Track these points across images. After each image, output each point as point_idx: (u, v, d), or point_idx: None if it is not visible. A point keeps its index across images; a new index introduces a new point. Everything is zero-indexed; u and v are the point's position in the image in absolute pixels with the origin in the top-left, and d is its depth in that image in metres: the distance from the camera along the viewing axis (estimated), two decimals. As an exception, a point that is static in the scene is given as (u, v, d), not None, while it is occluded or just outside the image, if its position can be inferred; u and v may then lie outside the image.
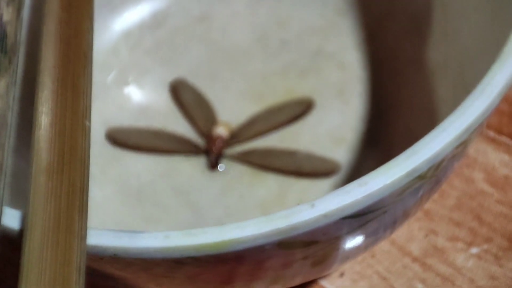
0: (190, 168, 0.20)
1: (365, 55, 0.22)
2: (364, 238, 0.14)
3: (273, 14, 0.23)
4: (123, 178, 0.20)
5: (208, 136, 0.21)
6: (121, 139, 0.21)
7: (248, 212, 0.19)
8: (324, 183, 0.20)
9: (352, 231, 0.13)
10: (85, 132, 0.13)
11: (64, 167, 0.12)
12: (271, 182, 0.20)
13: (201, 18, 0.23)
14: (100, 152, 0.21)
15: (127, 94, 0.22)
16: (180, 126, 0.21)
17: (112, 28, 0.23)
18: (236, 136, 0.21)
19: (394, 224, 0.15)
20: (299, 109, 0.21)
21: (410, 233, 0.19)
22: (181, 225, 0.19)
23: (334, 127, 0.21)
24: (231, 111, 0.21)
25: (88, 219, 0.12)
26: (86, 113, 0.13)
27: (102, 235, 0.12)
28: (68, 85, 0.13)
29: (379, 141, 0.20)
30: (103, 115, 0.21)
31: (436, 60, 0.19)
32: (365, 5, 0.22)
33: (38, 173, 0.12)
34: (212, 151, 0.20)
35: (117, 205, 0.20)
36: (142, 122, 0.21)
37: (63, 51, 0.14)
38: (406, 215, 0.15)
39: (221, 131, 0.21)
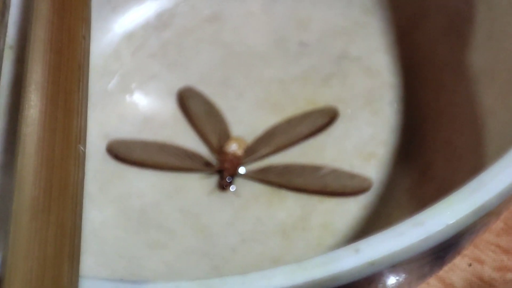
0: (200, 187, 0.18)
1: (396, 59, 0.20)
2: (409, 282, 0.12)
3: (291, 14, 0.21)
4: (125, 198, 0.18)
5: (220, 153, 0.19)
6: (123, 153, 0.19)
7: (266, 238, 0.17)
8: (352, 203, 0.18)
9: (399, 276, 0.11)
10: (79, 160, 0.11)
11: (52, 204, 0.10)
12: (292, 203, 0.18)
13: (212, 19, 0.21)
14: (100, 168, 0.19)
15: (130, 103, 0.20)
16: (189, 139, 0.19)
17: (113, 30, 0.21)
18: (252, 152, 0.19)
19: (443, 264, 0.13)
20: (322, 120, 0.19)
21: (452, 261, 0.17)
22: (190, 253, 0.17)
23: (362, 140, 0.19)
24: (246, 123, 0.19)
25: (80, 266, 0.10)
26: (80, 136, 0.11)
27: (98, 287, 0.10)
28: (59, 103, 0.11)
29: (414, 156, 0.18)
30: (103, 126, 0.19)
31: (480, 66, 0.17)
32: (396, 3, 0.20)
33: (20, 211, 0.10)
34: (225, 171, 0.18)
35: (118, 230, 0.17)
36: (147, 135, 0.19)
37: (54, 62, 0.12)
38: (459, 253, 0.13)
39: (234, 147, 0.18)
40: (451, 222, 0.10)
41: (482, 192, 0.10)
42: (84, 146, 0.11)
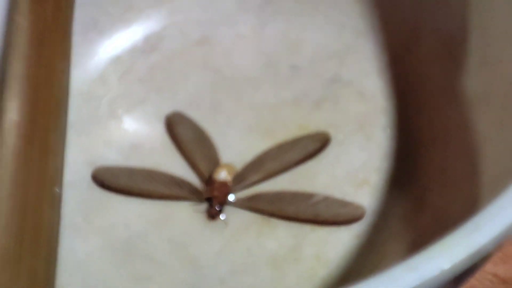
0: (189, 216, 0.18)
1: (388, 83, 0.19)
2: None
3: (282, 37, 0.20)
4: (111, 228, 0.18)
5: (209, 180, 0.18)
6: (109, 181, 0.18)
7: (257, 269, 0.17)
8: (345, 232, 0.17)
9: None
10: (54, 203, 0.10)
11: (23, 253, 0.09)
12: (283, 232, 0.17)
13: (201, 42, 0.20)
14: (85, 197, 0.18)
15: (117, 129, 0.19)
16: (177, 166, 0.19)
17: (99, 54, 0.20)
18: (242, 179, 0.18)
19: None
20: (314, 146, 0.19)
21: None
22: (178, 286, 0.17)
23: (355, 166, 0.18)
24: (235, 149, 0.19)
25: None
26: (56, 177, 0.10)
27: None
28: (35, 143, 0.11)
29: (408, 183, 0.18)
30: (89, 153, 0.19)
31: (475, 91, 0.17)
32: (388, 26, 0.20)
33: (-9, 261, 0.09)
34: (214, 199, 0.17)
35: (104, 262, 0.17)
36: (134, 161, 0.19)
37: (31, 100, 0.11)
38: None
39: (224, 175, 0.18)
40: (446, 268, 0.09)
41: (479, 236, 0.09)
42: (60, 188, 0.10)
